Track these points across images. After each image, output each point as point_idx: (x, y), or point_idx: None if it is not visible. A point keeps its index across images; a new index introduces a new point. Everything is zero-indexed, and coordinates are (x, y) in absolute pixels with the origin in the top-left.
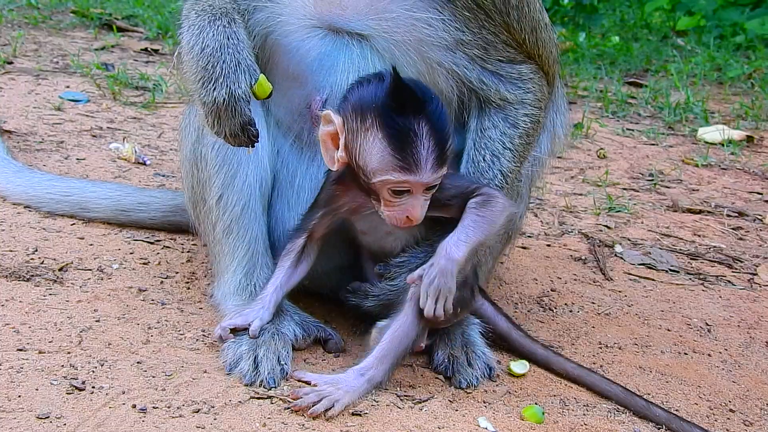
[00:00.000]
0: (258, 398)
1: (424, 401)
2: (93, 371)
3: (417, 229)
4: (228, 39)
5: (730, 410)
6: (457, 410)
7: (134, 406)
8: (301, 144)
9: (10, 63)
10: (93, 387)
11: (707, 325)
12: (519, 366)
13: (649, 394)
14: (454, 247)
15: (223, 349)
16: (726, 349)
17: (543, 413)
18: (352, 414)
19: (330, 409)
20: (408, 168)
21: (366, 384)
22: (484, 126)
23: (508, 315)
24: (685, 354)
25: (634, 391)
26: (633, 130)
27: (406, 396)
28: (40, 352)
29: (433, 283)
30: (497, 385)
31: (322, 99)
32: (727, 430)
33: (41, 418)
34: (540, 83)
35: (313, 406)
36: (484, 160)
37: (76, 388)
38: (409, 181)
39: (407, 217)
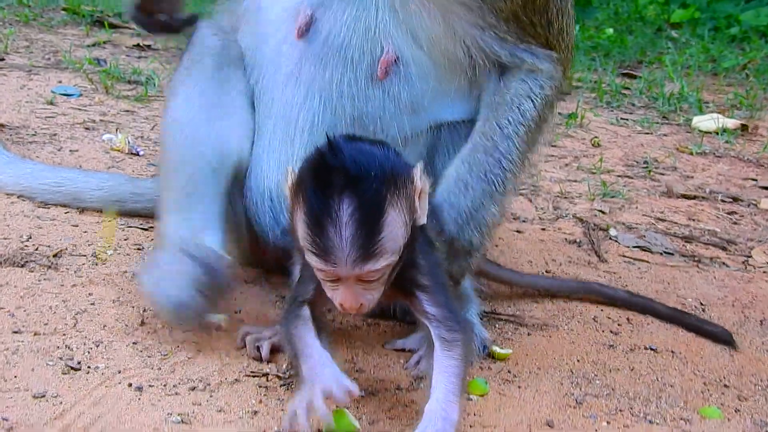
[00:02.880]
0: (254, 376)
1: (420, 378)
2: (88, 352)
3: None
4: None
5: (725, 386)
6: None
7: (130, 385)
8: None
9: (2, 59)
10: (89, 367)
11: (702, 304)
12: (502, 349)
13: (642, 372)
14: (449, 406)
15: None
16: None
17: (486, 383)
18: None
19: None
20: (324, 258)
21: None
22: (510, 79)
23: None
24: (680, 332)
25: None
26: (627, 119)
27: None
28: (35, 334)
29: None
30: (489, 365)
31: (307, 15)
32: (721, 404)
33: (37, 397)
34: (559, 73)
35: None
36: (506, 101)
37: (72, 368)
38: (327, 271)
39: (341, 305)
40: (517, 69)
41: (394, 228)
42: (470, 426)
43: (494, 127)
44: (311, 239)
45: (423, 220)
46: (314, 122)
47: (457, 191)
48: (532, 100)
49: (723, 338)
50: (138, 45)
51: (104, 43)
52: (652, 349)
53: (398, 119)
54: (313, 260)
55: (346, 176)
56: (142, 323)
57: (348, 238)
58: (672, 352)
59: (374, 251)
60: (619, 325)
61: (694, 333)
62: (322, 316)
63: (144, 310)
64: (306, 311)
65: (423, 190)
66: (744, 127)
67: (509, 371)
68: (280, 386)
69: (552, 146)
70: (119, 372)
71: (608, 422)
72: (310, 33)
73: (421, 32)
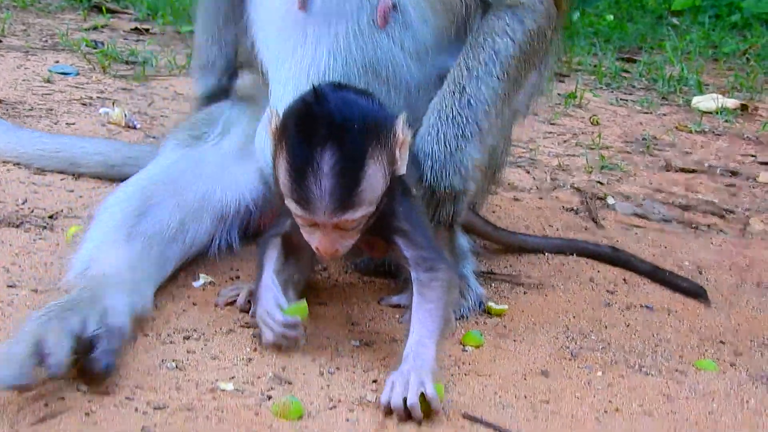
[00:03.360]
0: (248, 327)
1: None
2: None
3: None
4: None
5: (721, 342)
6: (447, 338)
7: None
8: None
9: None
10: None
11: (699, 267)
12: (498, 305)
13: (638, 328)
14: (422, 349)
15: None
16: (717, 290)
17: (481, 335)
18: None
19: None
20: (303, 205)
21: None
22: (488, 18)
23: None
24: (677, 293)
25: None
26: (627, 100)
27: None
28: (31, 290)
29: (402, 375)
30: (484, 320)
31: None
32: (717, 358)
33: None
34: (545, 5)
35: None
36: (479, 43)
37: None
38: (306, 218)
39: (317, 248)
40: (499, 5)
41: (374, 180)
42: (465, 374)
43: (462, 71)
44: (291, 187)
45: (402, 170)
46: (326, 74)
47: (429, 139)
48: (509, 36)
49: (697, 293)
50: (136, 29)
51: (102, 27)
52: (648, 307)
53: (407, 65)
54: (292, 207)
55: (330, 126)
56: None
57: (327, 188)
58: (668, 310)
59: (353, 202)
60: (615, 285)
61: (670, 289)
62: (295, 251)
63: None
64: (276, 242)
65: (404, 141)
66: (744, 108)
67: (504, 326)
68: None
69: (551, 124)
70: None
71: (603, 372)
72: (308, 1)
73: None
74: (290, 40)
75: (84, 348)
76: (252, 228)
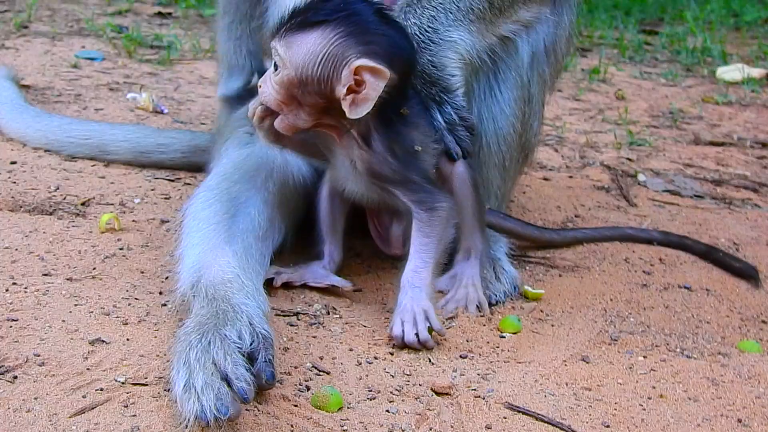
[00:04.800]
0: (285, 315)
1: (451, 318)
2: (118, 294)
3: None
4: None
5: (763, 321)
6: (484, 325)
7: (156, 324)
8: None
9: (25, 27)
10: (116, 307)
11: (735, 244)
12: (534, 289)
13: (677, 309)
14: (416, 276)
15: None
16: (755, 267)
17: (519, 320)
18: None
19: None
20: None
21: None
22: None
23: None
24: (714, 271)
25: None
26: (651, 73)
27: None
28: (66, 279)
29: (408, 312)
30: (521, 304)
31: None
32: (760, 339)
33: (68, 335)
34: None
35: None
36: None
37: (102, 308)
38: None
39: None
40: None
41: (308, 43)
42: (505, 362)
43: None
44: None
45: (351, 113)
46: None
47: (412, 11)
48: None
49: (750, 274)
50: (159, 13)
51: (126, 11)
52: (686, 287)
53: None
54: None
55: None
56: (170, 271)
57: (287, 18)
58: (707, 290)
59: (286, 36)
60: (651, 265)
61: (723, 269)
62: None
63: (171, 255)
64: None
65: (362, 81)
66: None
67: (542, 310)
68: (311, 325)
69: (576, 100)
70: (147, 314)
71: (644, 356)
72: None
73: None
74: None
75: (250, 363)
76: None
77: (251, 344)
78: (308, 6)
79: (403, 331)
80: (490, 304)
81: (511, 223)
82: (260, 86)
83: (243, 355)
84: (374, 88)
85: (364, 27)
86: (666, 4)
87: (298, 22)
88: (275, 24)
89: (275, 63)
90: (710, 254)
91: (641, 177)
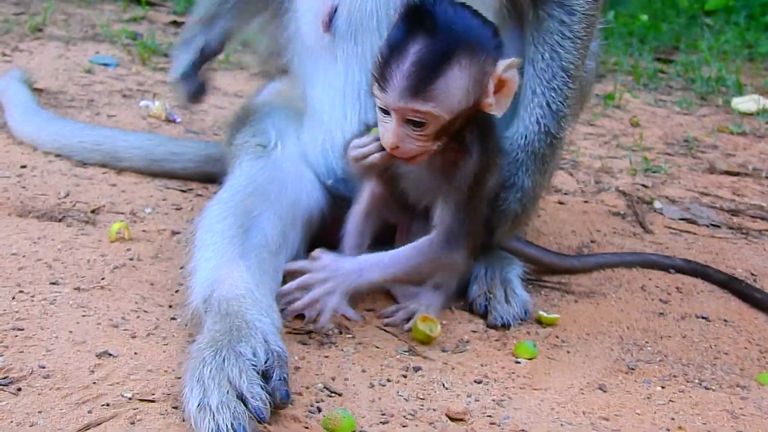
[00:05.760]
0: (296, 333)
1: (465, 342)
2: (127, 305)
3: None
4: None
5: None
6: (499, 350)
7: (164, 338)
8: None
9: (40, 30)
10: (125, 319)
11: (753, 275)
12: (549, 314)
13: (695, 339)
14: (370, 267)
15: None
16: None
17: (535, 346)
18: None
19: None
20: (382, 84)
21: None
22: (539, 17)
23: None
24: (732, 301)
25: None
26: (665, 101)
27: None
28: (74, 288)
29: (317, 290)
30: (536, 329)
31: (329, 6)
32: None
33: (74, 347)
34: None
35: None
36: (542, 58)
37: (110, 320)
38: (380, 98)
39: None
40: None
41: (452, 83)
42: (520, 388)
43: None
44: (377, 65)
45: (497, 112)
46: (360, 92)
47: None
48: (568, 36)
49: None
50: (174, 22)
51: (141, 18)
52: (703, 317)
53: None
54: (374, 87)
55: (432, 21)
56: (181, 284)
57: (405, 71)
58: (724, 320)
59: (425, 91)
60: (668, 293)
61: (743, 301)
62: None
63: (181, 268)
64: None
65: (505, 82)
66: None
67: (557, 336)
68: (323, 344)
69: (590, 125)
70: (156, 327)
71: (662, 387)
72: (334, 22)
73: None
74: (321, 62)
75: (265, 380)
76: (321, 234)
77: (266, 362)
78: (402, 44)
79: (298, 299)
80: (497, 327)
81: (532, 250)
82: (388, 143)
83: (258, 373)
84: (514, 80)
85: (469, 28)
86: (681, 33)
87: (420, 70)
88: (376, 77)
89: (414, 121)
90: (731, 284)
91: (657, 204)
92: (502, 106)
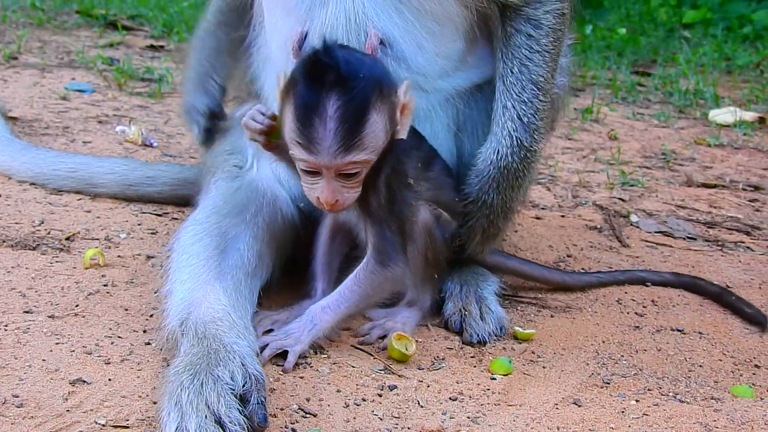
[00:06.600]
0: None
1: (441, 359)
2: (101, 333)
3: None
4: None
5: (756, 366)
6: (475, 366)
7: (139, 364)
8: None
9: (15, 58)
10: (99, 346)
11: (728, 286)
12: (525, 330)
13: (669, 352)
14: (321, 314)
15: None
16: (766, 315)
17: (510, 362)
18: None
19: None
20: (308, 148)
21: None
22: (507, 33)
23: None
24: (707, 314)
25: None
26: (643, 114)
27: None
28: (48, 317)
29: (280, 340)
30: (512, 345)
31: (298, 33)
32: (753, 384)
33: (48, 375)
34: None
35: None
36: (512, 72)
37: (84, 347)
38: (310, 162)
39: (318, 198)
40: (512, 15)
41: (376, 127)
42: (495, 404)
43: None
44: (297, 130)
45: (402, 134)
46: None
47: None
48: (536, 50)
49: (759, 321)
50: (151, 46)
51: (118, 44)
52: (678, 330)
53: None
54: (297, 152)
55: (337, 74)
56: (155, 308)
57: (332, 130)
58: (699, 333)
59: (355, 144)
60: (644, 307)
61: (733, 313)
62: None
63: (156, 292)
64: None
65: (406, 105)
66: (762, 120)
67: (533, 352)
68: (298, 365)
69: (568, 139)
70: (130, 353)
71: (637, 401)
72: (303, 48)
73: (403, 5)
74: None
75: (242, 404)
76: (296, 252)
77: (244, 385)
78: (319, 104)
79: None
80: (473, 344)
81: (525, 266)
82: (328, 201)
83: (236, 397)
84: (413, 99)
85: (371, 70)
86: (659, 47)
87: (346, 126)
88: (299, 142)
89: (344, 173)
90: (722, 297)
91: (634, 218)
92: (406, 128)
